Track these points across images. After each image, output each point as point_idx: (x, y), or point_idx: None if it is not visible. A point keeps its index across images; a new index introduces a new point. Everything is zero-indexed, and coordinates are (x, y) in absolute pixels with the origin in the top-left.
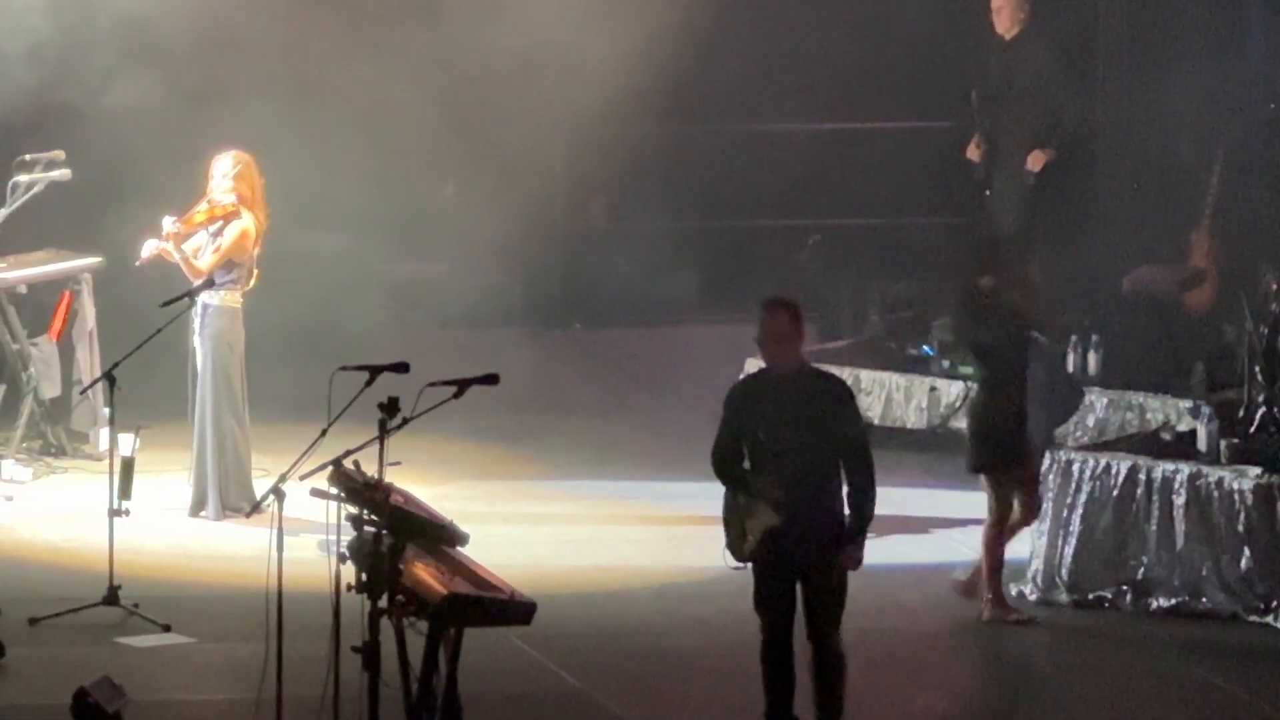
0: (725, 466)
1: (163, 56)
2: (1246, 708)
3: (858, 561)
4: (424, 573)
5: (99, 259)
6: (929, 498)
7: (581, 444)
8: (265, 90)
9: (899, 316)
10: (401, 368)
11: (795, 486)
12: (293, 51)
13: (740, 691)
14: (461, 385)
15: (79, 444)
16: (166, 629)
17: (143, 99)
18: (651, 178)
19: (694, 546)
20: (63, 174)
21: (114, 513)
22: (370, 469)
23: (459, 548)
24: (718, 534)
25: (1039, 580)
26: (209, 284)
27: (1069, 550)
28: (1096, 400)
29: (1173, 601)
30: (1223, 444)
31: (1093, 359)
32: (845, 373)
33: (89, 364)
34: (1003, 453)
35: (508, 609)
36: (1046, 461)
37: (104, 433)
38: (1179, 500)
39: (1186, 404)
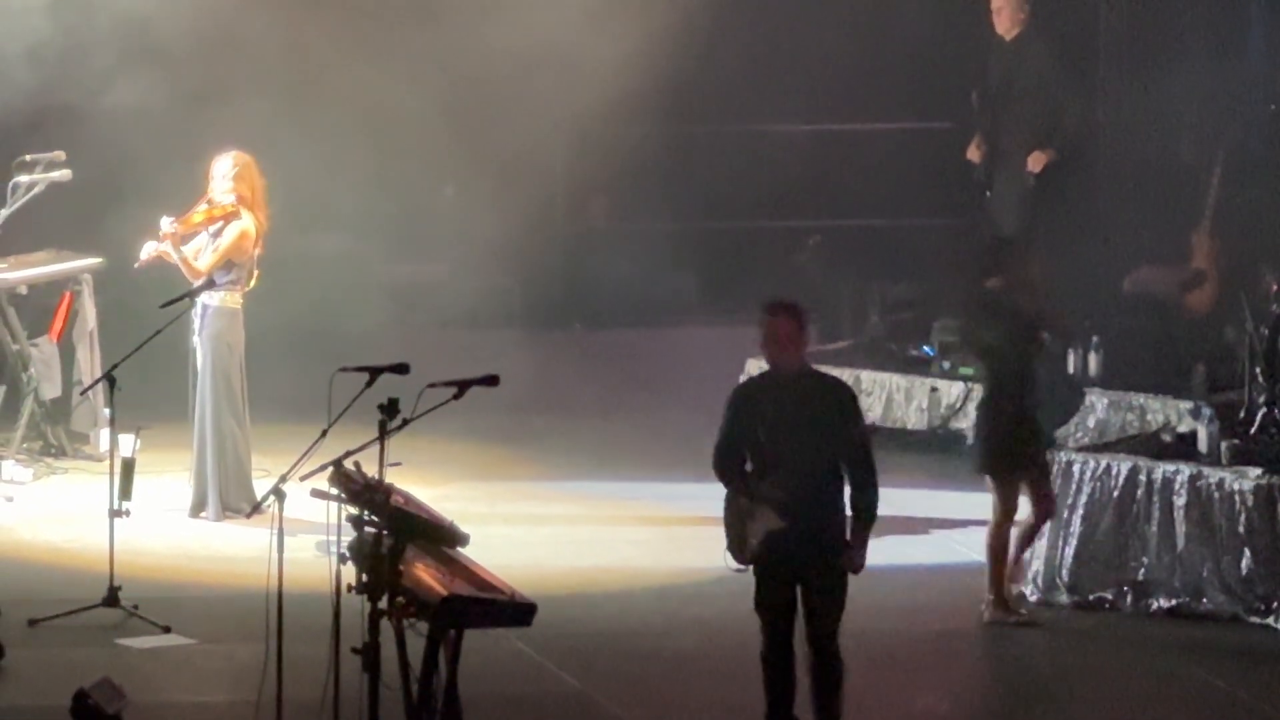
0: (727, 468)
1: (163, 57)
2: (1247, 709)
3: (860, 565)
4: (424, 574)
5: (99, 260)
6: (929, 498)
7: (582, 445)
8: (265, 91)
9: (899, 317)
10: (402, 369)
11: (797, 489)
12: (293, 52)
13: (741, 693)
14: (462, 386)
15: (79, 445)
16: (167, 630)
17: (143, 99)
18: (652, 179)
19: (694, 548)
20: (63, 174)
21: (114, 513)
22: (371, 470)
23: (459, 549)
24: (718, 535)
25: (1039, 581)
26: (209, 284)
27: (1069, 551)
28: (1097, 401)
29: (1173, 602)
30: (1223, 445)
31: (1093, 360)
32: (846, 373)
33: (89, 365)
34: (1009, 454)
35: (508, 610)
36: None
37: (104, 433)
38: (1179, 501)
39: (1187, 405)
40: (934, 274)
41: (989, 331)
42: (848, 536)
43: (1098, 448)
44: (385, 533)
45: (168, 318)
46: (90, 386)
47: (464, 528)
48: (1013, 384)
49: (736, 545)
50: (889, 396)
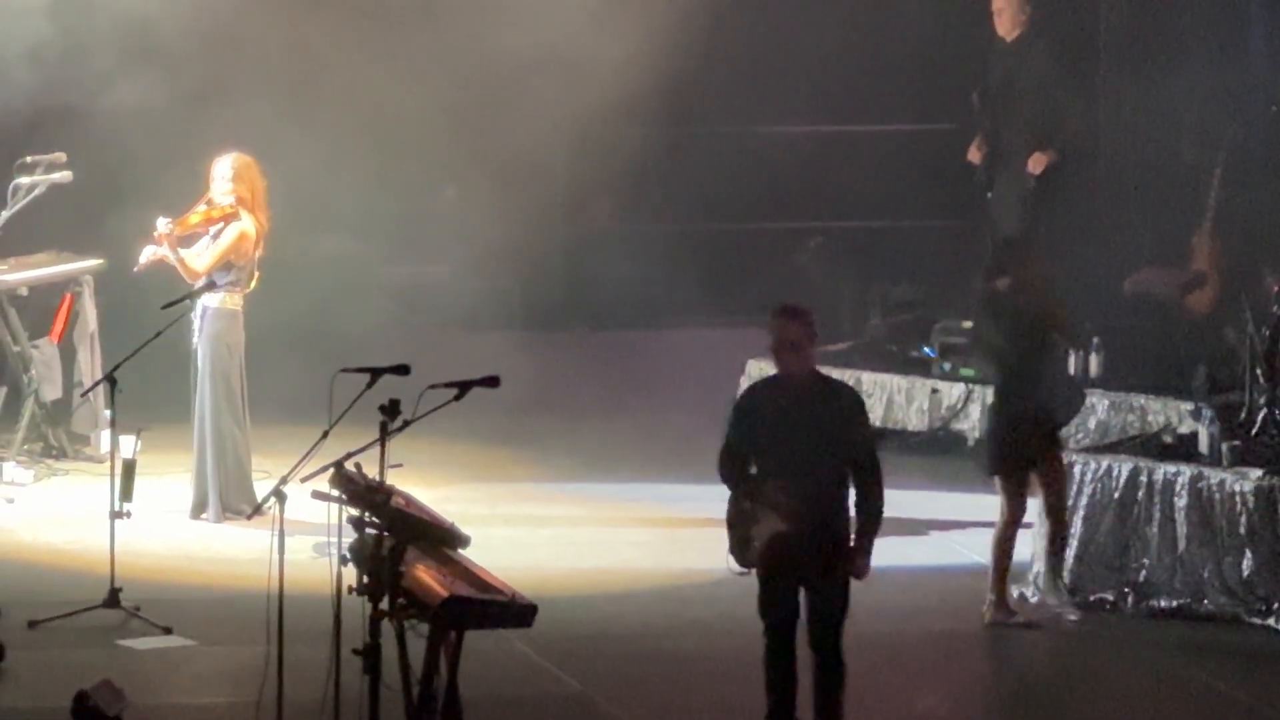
0: (731, 471)
1: (164, 58)
2: (1248, 710)
3: (864, 571)
4: (425, 575)
5: (100, 261)
6: (930, 500)
7: (582, 446)
8: (266, 91)
9: (900, 319)
10: (402, 370)
11: (802, 493)
12: (293, 53)
13: (741, 694)
14: (462, 387)
15: (80, 446)
16: (167, 631)
17: (143, 100)
18: (652, 180)
19: (696, 549)
20: (64, 176)
21: (115, 515)
22: (371, 471)
23: (460, 550)
24: (719, 537)
25: (1040, 583)
26: (210, 285)
27: (1070, 553)
28: (1098, 402)
29: (1174, 604)
30: (1224, 446)
31: (1094, 361)
32: (846, 375)
33: (90, 366)
34: (1016, 455)
35: (509, 611)
36: None
37: (105, 435)
38: (1180, 503)
39: (1188, 406)
40: (935, 275)
41: (998, 332)
42: (852, 541)
43: (1099, 449)
44: (386, 534)
45: (168, 319)
46: (91, 388)
47: (465, 529)
48: (1020, 384)
49: (739, 549)
50: (889, 398)
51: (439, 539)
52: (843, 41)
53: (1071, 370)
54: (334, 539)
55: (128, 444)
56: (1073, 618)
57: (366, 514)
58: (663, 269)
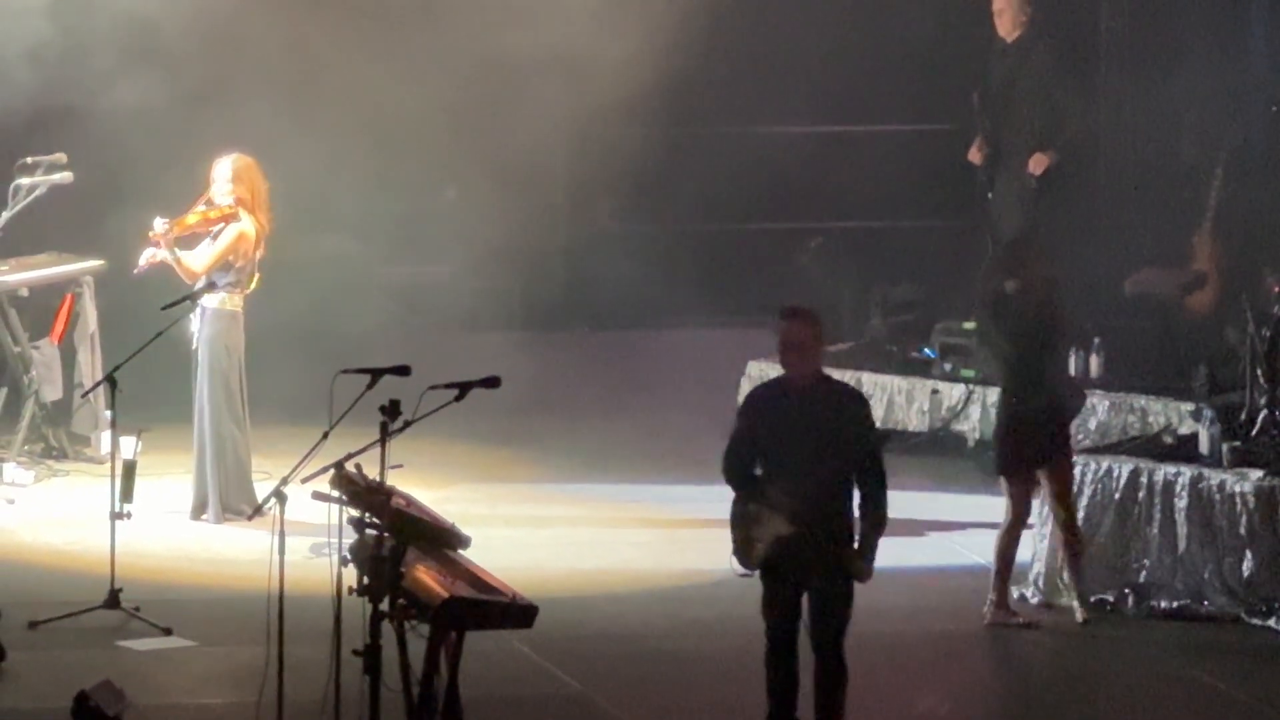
0: (736, 473)
1: (164, 58)
2: (1248, 711)
3: (868, 574)
4: (425, 576)
5: (100, 262)
6: (930, 501)
7: (583, 447)
8: (266, 92)
9: (900, 319)
10: (403, 371)
11: (807, 495)
12: (294, 53)
13: (742, 694)
14: (463, 388)
15: (80, 447)
16: (168, 632)
17: (144, 101)
18: (653, 180)
19: (696, 550)
20: (64, 177)
21: (115, 516)
22: (372, 472)
23: (460, 551)
24: (719, 537)
25: (1040, 583)
26: (210, 286)
27: (1064, 555)
28: (1098, 403)
29: (1175, 604)
30: (1225, 447)
31: (1094, 362)
32: (847, 375)
33: (90, 367)
34: (1022, 456)
35: (509, 612)
36: None
37: (105, 436)
38: (1181, 503)
39: (1188, 407)
40: (935, 276)
41: (1007, 334)
42: (856, 544)
43: (1099, 450)
44: (386, 535)
45: (169, 320)
46: (91, 389)
47: (465, 530)
48: (1024, 385)
49: (744, 550)
50: (890, 399)
51: (439, 540)
52: (843, 42)
53: (1072, 371)
54: (332, 540)
55: (128, 445)
56: (1082, 619)
57: (367, 515)
58: (663, 269)
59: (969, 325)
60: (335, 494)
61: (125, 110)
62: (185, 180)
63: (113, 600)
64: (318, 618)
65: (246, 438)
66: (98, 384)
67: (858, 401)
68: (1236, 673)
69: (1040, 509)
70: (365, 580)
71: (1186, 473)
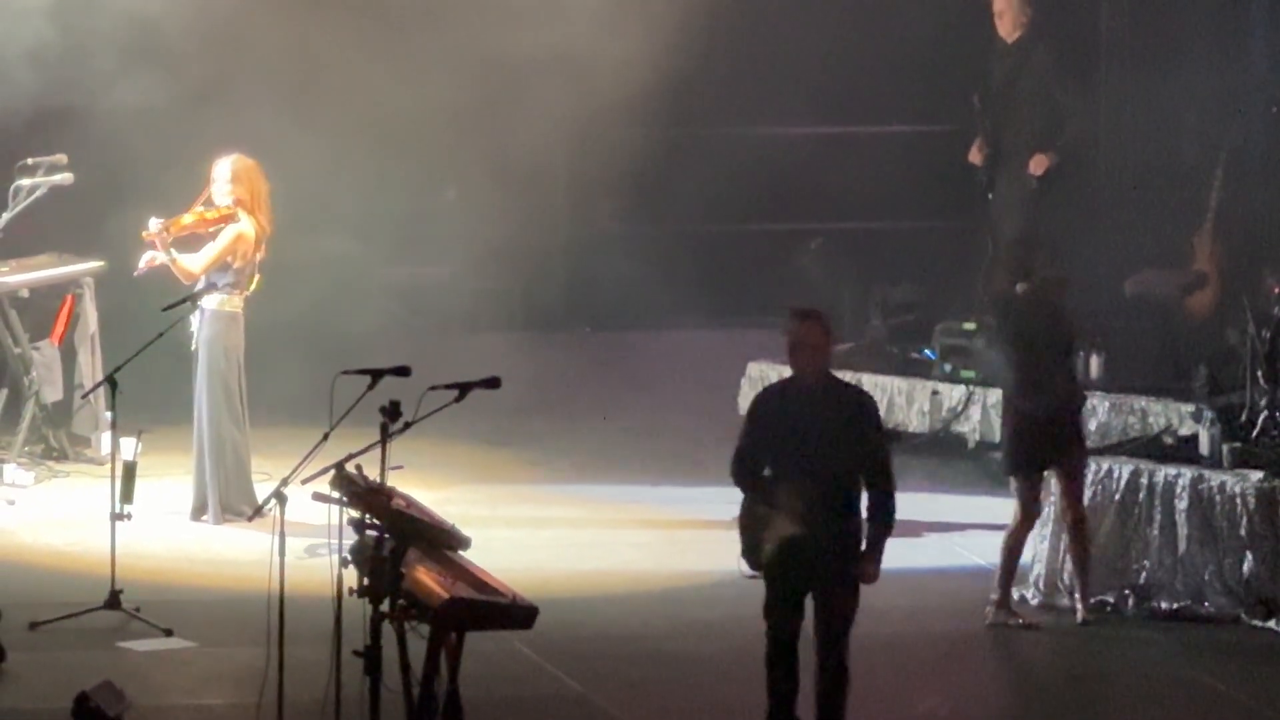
0: (745, 474)
1: (165, 59)
2: (1249, 711)
3: (874, 576)
4: (426, 577)
5: (101, 263)
6: (930, 502)
7: (583, 448)
8: (267, 92)
9: (900, 320)
10: (403, 371)
11: (815, 497)
12: (295, 54)
13: (743, 695)
14: (463, 389)
15: (81, 448)
16: (168, 633)
17: (144, 102)
18: (653, 181)
19: (697, 550)
20: (65, 178)
21: (116, 517)
22: (372, 473)
23: (461, 552)
24: (719, 538)
25: (1041, 584)
26: (211, 287)
27: (1070, 555)
28: (1098, 404)
29: (1175, 605)
30: (1225, 448)
31: (1095, 362)
32: (847, 376)
33: (91, 368)
34: (1027, 456)
35: (509, 613)
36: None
37: (106, 437)
38: (1181, 504)
39: (1189, 408)
40: (935, 277)
41: (1017, 335)
42: (863, 546)
43: (1099, 450)
44: (387, 536)
45: (169, 321)
46: (92, 390)
47: (465, 531)
48: (1035, 386)
49: (751, 552)
50: (890, 400)
51: (440, 541)
52: (843, 43)
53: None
54: (327, 541)
55: (128, 446)
56: (1082, 619)
57: (367, 516)
58: (663, 270)
59: (969, 326)
60: (335, 495)
61: (126, 111)
62: (186, 181)
63: (113, 601)
64: (318, 619)
65: (246, 438)
66: (98, 385)
67: (866, 403)
68: (1237, 673)
69: (1043, 510)
70: (366, 581)
71: (1187, 474)
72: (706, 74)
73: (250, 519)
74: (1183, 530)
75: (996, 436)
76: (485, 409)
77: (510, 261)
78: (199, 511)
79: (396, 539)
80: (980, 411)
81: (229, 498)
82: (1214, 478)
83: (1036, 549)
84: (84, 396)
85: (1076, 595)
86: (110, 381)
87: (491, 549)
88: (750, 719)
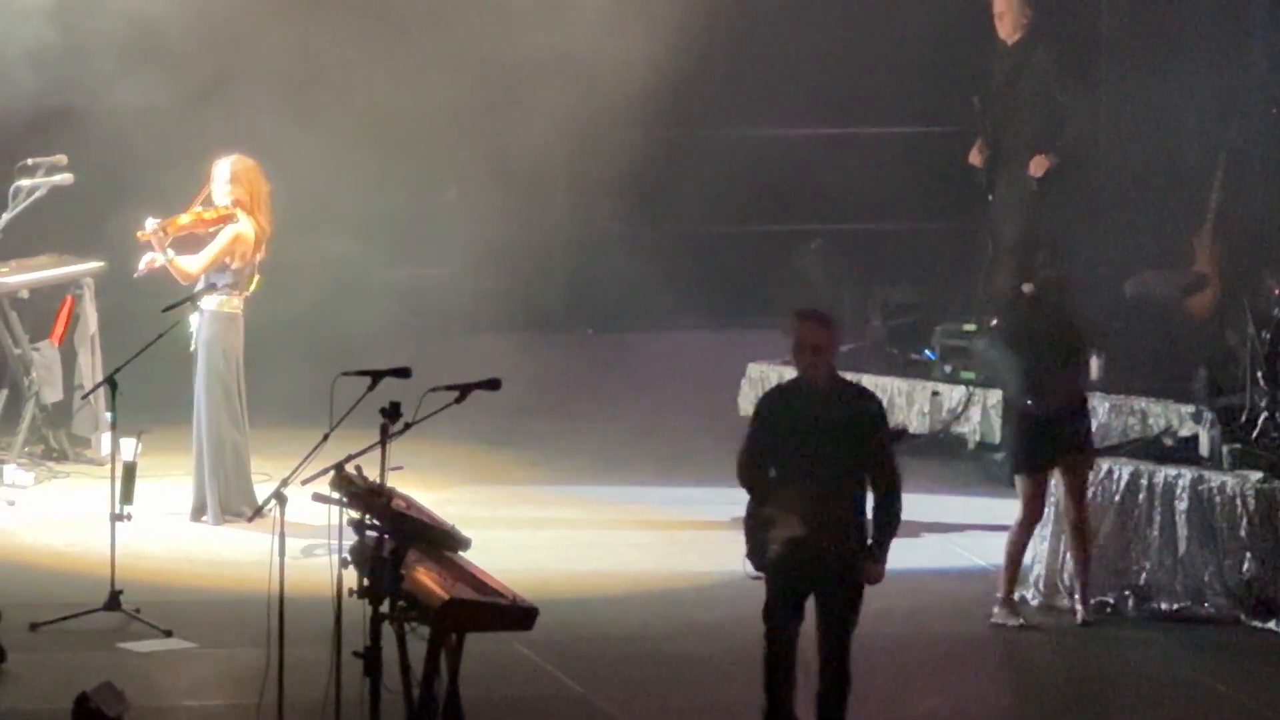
0: (751, 475)
1: (166, 60)
2: (1249, 712)
3: (879, 577)
4: (426, 577)
5: (101, 263)
6: (931, 503)
7: (583, 449)
8: (268, 93)
9: (901, 321)
10: (403, 372)
11: (820, 498)
12: (296, 55)
13: (743, 696)
14: (463, 390)
15: (81, 449)
16: (168, 634)
17: (145, 102)
18: (654, 182)
19: (697, 551)
20: (65, 178)
21: (115, 517)
22: (372, 474)
23: (461, 553)
24: (719, 539)
25: (1041, 585)
26: (211, 288)
27: (1071, 555)
28: (1098, 405)
29: (1175, 606)
30: (1225, 449)
31: (1094, 364)
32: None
33: (91, 368)
34: (1035, 458)
35: (509, 614)
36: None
37: (106, 438)
38: (1181, 505)
39: (1189, 409)
40: (935, 278)
41: (1025, 336)
42: (868, 546)
43: (1099, 452)
44: (387, 537)
45: (169, 322)
46: (92, 391)
47: (465, 531)
48: (1046, 388)
49: (756, 553)
50: (890, 401)
51: (439, 542)
52: (844, 44)
53: None
54: (324, 541)
55: (128, 447)
56: (1083, 620)
57: (367, 517)
58: (663, 271)
59: (969, 327)
60: (335, 496)
61: (126, 111)
62: (186, 181)
63: (113, 602)
64: (318, 620)
65: (246, 439)
66: (98, 386)
67: (871, 402)
68: (1237, 674)
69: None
70: (366, 582)
71: (1187, 475)
72: (707, 75)
73: (250, 520)
74: (1183, 531)
75: (997, 437)
76: (485, 410)
77: (510, 262)
78: (199, 512)
79: (396, 540)
80: (980, 412)
81: (229, 499)
82: (1214, 479)
83: (1036, 550)
84: (84, 397)
85: (1077, 596)
86: (110, 382)
87: (491, 550)
88: (749, 719)
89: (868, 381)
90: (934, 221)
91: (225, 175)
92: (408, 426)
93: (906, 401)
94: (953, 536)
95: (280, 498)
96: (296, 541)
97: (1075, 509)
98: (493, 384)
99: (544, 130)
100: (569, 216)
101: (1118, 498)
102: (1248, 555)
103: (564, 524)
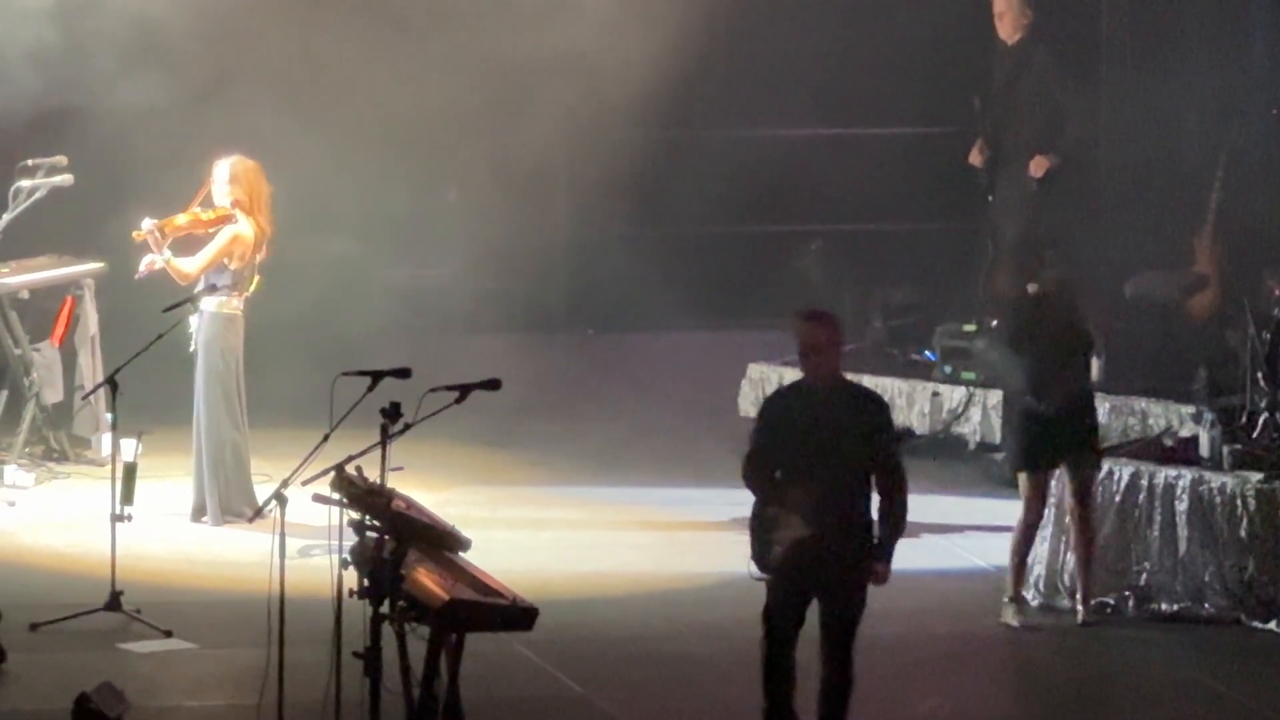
0: (757, 476)
1: (166, 60)
2: (1249, 713)
3: (885, 576)
4: (426, 578)
5: (101, 264)
6: (931, 504)
7: (584, 449)
8: (269, 94)
9: (901, 322)
10: (403, 373)
11: (826, 499)
12: (297, 55)
13: (743, 697)
14: (463, 390)
15: (81, 449)
16: (168, 635)
17: (146, 103)
18: (654, 183)
19: (697, 552)
20: (65, 179)
21: (116, 518)
22: (372, 474)
23: (461, 553)
24: (719, 540)
25: (1041, 586)
26: (212, 289)
27: (1072, 556)
28: (1099, 406)
29: (1175, 607)
30: (1225, 449)
31: (1094, 364)
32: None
33: (91, 369)
34: (1037, 458)
35: (510, 614)
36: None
37: (106, 438)
38: (1181, 506)
39: (1189, 409)
40: (936, 279)
41: (1029, 337)
42: (874, 547)
43: (1104, 451)
44: (387, 537)
45: (170, 322)
46: (92, 391)
47: (465, 532)
48: (1049, 388)
49: (761, 554)
50: (890, 401)
51: (440, 542)
52: (844, 44)
53: None
54: (321, 542)
55: (129, 447)
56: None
57: (367, 517)
58: (664, 271)
59: (970, 328)
60: (336, 496)
61: (126, 112)
62: (187, 182)
63: (114, 602)
64: (318, 620)
65: (245, 440)
66: (98, 386)
67: (877, 404)
68: (1237, 675)
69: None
70: (366, 583)
71: (1187, 475)
72: (707, 75)
73: (251, 520)
74: (1183, 532)
75: (997, 438)
76: (486, 410)
77: (511, 262)
78: (199, 513)
79: (397, 540)
80: (981, 413)
81: (229, 499)
82: (1214, 479)
83: (1037, 550)
84: (84, 398)
85: (1078, 596)
86: (111, 383)
87: (492, 550)
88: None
89: (868, 382)
90: (934, 222)
91: (225, 176)
92: (408, 427)
93: (907, 402)
94: (953, 537)
95: (280, 498)
96: (296, 542)
97: (1079, 509)
98: (493, 384)
99: (545, 131)
100: (569, 217)
101: (1118, 498)
102: (1248, 556)
103: (564, 524)
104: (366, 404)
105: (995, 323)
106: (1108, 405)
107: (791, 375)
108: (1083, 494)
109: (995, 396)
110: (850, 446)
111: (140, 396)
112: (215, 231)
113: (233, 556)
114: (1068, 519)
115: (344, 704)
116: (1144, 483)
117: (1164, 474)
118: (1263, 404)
